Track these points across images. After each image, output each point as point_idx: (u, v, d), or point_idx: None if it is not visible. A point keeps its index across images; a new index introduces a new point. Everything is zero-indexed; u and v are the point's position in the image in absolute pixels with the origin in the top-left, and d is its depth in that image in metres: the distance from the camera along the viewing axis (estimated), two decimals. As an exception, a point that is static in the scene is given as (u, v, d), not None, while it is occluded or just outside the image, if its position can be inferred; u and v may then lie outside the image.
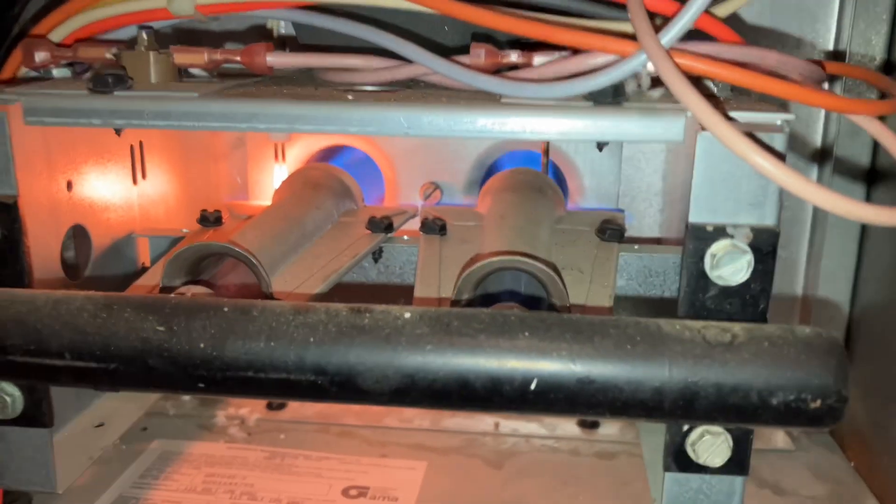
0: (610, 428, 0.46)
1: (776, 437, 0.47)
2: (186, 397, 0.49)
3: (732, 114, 0.23)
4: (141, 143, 0.38)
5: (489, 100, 0.27)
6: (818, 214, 0.45)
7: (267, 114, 0.25)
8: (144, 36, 0.29)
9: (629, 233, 0.38)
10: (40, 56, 0.29)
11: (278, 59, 0.28)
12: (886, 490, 0.40)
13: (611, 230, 0.35)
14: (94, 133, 0.33)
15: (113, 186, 0.36)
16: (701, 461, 0.25)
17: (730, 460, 0.25)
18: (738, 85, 0.23)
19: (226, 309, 0.23)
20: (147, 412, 0.45)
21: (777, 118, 0.23)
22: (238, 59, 0.29)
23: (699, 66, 0.23)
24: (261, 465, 0.43)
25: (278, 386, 0.23)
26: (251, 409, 0.48)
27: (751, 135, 0.22)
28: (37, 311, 0.23)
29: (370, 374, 0.22)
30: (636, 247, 0.34)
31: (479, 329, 0.22)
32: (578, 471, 0.42)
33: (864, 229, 0.44)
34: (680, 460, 0.26)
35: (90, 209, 0.34)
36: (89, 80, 0.26)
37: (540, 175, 0.40)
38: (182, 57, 0.28)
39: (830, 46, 0.43)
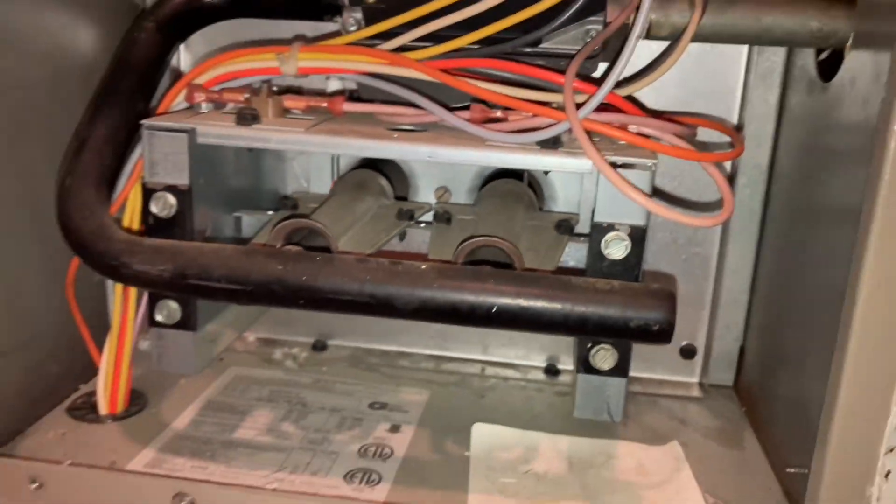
0: (566, 377, 0.62)
1: (691, 389, 0.63)
2: (252, 338, 0.65)
3: (617, 159, 0.39)
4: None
5: (479, 141, 0.43)
6: (726, 224, 0.60)
7: (344, 144, 0.41)
8: (265, 87, 0.44)
9: (580, 229, 0.54)
10: (199, 96, 0.44)
11: (350, 107, 0.44)
12: (760, 427, 0.55)
13: (564, 226, 0.51)
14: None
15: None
16: (597, 367, 0.41)
17: (615, 366, 0.41)
18: (620, 140, 0.39)
19: (317, 258, 0.39)
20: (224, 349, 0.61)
21: (648, 162, 0.39)
22: (325, 105, 0.44)
23: (598, 128, 0.39)
24: (309, 386, 0.59)
25: (347, 305, 0.38)
26: (301, 348, 0.65)
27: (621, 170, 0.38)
28: (205, 255, 0.39)
29: (401, 299, 0.38)
30: (580, 238, 0.50)
31: (465, 276, 0.38)
32: (540, 401, 0.58)
33: (760, 235, 0.59)
34: (585, 366, 0.42)
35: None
36: (236, 116, 0.42)
37: (520, 185, 0.56)
38: (290, 102, 0.44)
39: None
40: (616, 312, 0.37)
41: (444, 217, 0.52)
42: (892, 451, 0.40)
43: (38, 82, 0.47)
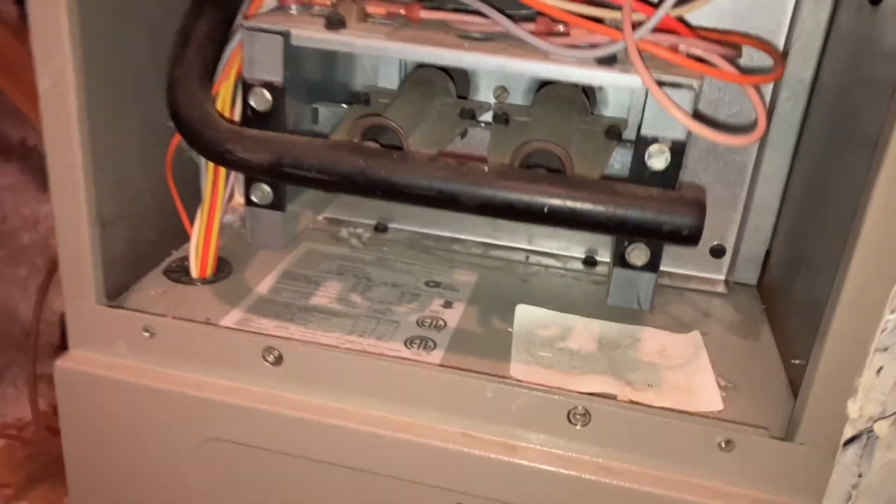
0: (602, 268, 0.68)
1: (717, 286, 0.68)
2: (321, 217, 0.72)
3: (665, 78, 0.43)
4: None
5: (542, 53, 0.47)
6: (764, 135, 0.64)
7: (421, 52, 0.46)
8: (352, -4, 0.49)
9: (627, 134, 0.59)
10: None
11: (427, 14, 0.49)
12: (776, 322, 0.61)
13: (613, 132, 0.55)
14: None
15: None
16: (631, 262, 0.47)
17: (647, 263, 0.47)
18: (669, 61, 0.43)
19: (394, 156, 0.45)
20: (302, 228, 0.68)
21: (693, 82, 0.43)
22: (403, 11, 0.49)
23: (650, 48, 0.43)
24: (372, 263, 0.66)
25: (418, 198, 0.44)
26: (364, 229, 0.71)
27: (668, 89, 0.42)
28: (298, 147, 0.45)
29: (465, 195, 0.44)
30: (627, 144, 0.55)
31: (521, 178, 0.44)
32: (577, 288, 0.65)
33: (797, 147, 0.63)
34: (621, 261, 0.48)
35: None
36: (325, 21, 0.47)
37: (574, 89, 0.60)
38: (372, 8, 0.49)
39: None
40: (652, 216, 0.42)
41: (502, 118, 0.57)
42: (884, 350, 0.46)
43: None
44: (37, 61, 0.46)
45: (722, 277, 0.68)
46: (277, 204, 0.52)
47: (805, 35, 0.59)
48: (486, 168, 0.44)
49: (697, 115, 0.44)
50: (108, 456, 0.54)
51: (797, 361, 0.52)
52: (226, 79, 0.51)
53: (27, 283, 1.83)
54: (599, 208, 0.43)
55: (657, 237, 0.43)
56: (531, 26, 0.47)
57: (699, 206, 0.42)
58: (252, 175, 0.51)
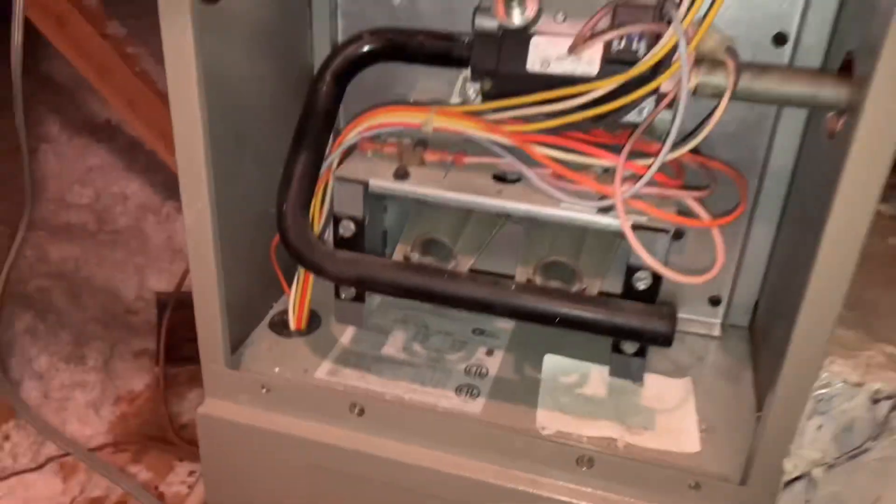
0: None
1: (713, 329, 0.83)
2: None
3: (648, 223, 0.57)
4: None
5: (556, 201, 0.61)
6: (755, 209, 0.77)
7: (466, 199, 0.61)
8: (411, 144, 0.64)
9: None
10: (367, 146, 0.64)
11: (470, 160, 0.63)
12: (756, 369, 0.75)
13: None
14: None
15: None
16: (623, 351, 0.63)
17: (636, 352, 0.63)
18: (652, 214, 0.57)
19: (444, 275, 0.61)
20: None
21: (667, 227, 0.58)
22: (451, 158, 0.64)
23: (637, 206, 0.57)
24: (430, 311, 0.82)
25: (464, 306, 0.60)
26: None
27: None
28: (375, 266, 0.61)
29: (497, 306, 0.59)
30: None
31: (539, 294, 0.59)
32: (596, 341, 0.80)
33: (781, 217, 0.76)
34: (616, 349, 0.63)
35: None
36: (394, 173, 0.62)
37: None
38: (429, 156, 0.64)
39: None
40: (637, 326, 0.57)
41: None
42: (822, 413, 0.60)
43: (254, 112, 0.68)
44: (184, 202, 0.63)
45: (718, 321, 0.82)
46: (359, 298, 0.69)
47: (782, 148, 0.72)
48: (512, 286, 0.59)
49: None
50: (238, 478, 0.73)
51: (758, 414, 0.66)
52: (315, 196, 0.67)
53: (125, 266, 2.06)
54: (598, 318, 0.58)
55: (640, 340, 0.59)
56: (547, 171, 0.61)
57: (671, 319, 0.57)
58: (339, 286, 0.67)
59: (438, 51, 0.66)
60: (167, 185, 2.29)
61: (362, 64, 0.68)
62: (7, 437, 1.51)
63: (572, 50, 0.58)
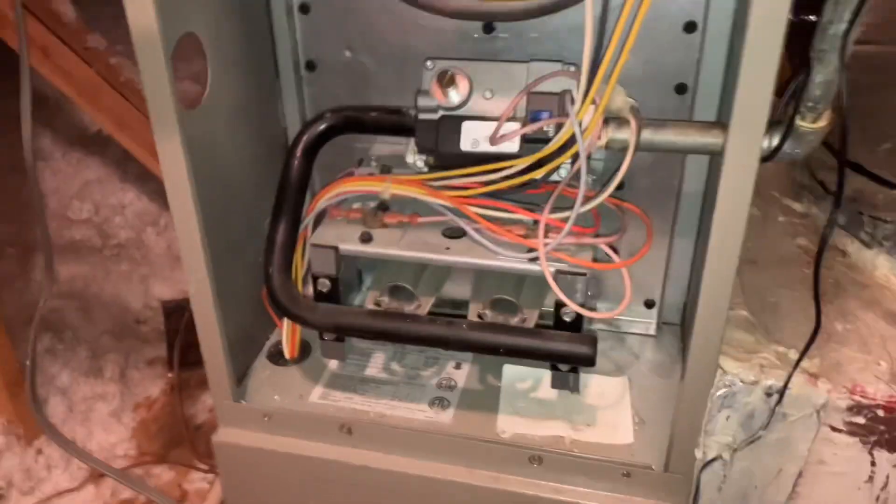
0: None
1: (650, 328, 0.96)
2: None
3: (568, 269, 0.70)
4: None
5: (494, 254, 0.74)
6: (675, 224, 0.90)
7: (419, 256, 0.73)
8: (373, 209, 0.76)
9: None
10: (337, 213, 0.77)
11: (423, 220, 0.76)
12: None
13: (555, 259, 0.83)
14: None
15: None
16: (560, 368, 0.76)
17: (570, 369, 0.76)
18: (569, 262, 0.70)
19: (407, 318, 0.73)
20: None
21: (584, 272, 0.70)
22: (407, 219, 0.76)
23: (558, 255, 0.70)
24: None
25: (425, 343, 0.73)
26: (398, 303, 1.00)
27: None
28: (350, 316, 0.74)
29: (453, 342, 0.72)
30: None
31: (485, 329, 0.72)
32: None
33: (699, 228, 0.89)
34: (553, 367, 0.77)
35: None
36: (359, 237, 0.75)
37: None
38: (388, 219, 0.76)
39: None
40: (566, 350, 0.70)
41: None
42: (729, 406, 0.73)
43: (238, 179, 0.81)
44: (185, 270, 0.75)
45: (654, 322, 0.95)
46: (339, 339, 0.82)
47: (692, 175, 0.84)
48: (464, 325, 0.72)
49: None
50: (252, 493, 0.87)
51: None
52: (296, 252, 0.80)
53: (130, 278, 2.19)
54: (534, 347, 0.71)
55: (568, 363, 0.72)
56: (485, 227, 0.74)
57: (592, 344, 0.70)
58: (322, 332, 0.80)
59: (389, 124, 0.78)
60: (161, 192, 2.41)
61: (326, 139, 0.80)
62: (40, 451, 1.66)
63: (494, 142, 0.70)
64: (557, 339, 0.70)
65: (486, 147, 0.71)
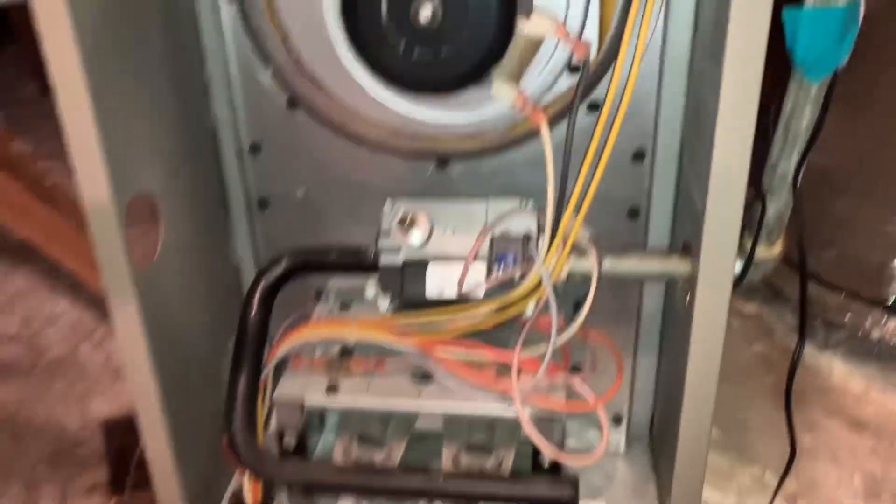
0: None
1: (619, 445, 0.95)
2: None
3: (545, 416, 0.69)
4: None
5: (466, 397, 0.72)
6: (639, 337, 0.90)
7: (390, 403, 0.72)
8: (338, 352, 0.74)
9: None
10: (299, 363, 0.75)
11: (391, 365, 0.74)
12: (658, 475, 0.88)
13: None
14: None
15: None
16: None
17: None
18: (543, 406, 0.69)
19: (381, 474, 0.71)
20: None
21: (561, 416, 0.69)
22: (373, 366, 0.74)
23: (535, 401, 0.69)
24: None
25: (401, 497, 0.71)
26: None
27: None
28: (319, 471, 0.71)
29: (432, 492, 0.70)
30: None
31: (466, 479, 0.70)
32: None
33: (660, 351, 0.89)
34: None
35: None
36: (325, 388, 0.72)
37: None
38: (355, 366, 0.74)
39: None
40: (546, 496, 0.69)
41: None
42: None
43: (197, 323, 0.78)
44: (143, 432, 0.72)
45: (622, 437, 0.94)
46: (309, 494, 0.78)
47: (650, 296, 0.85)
48: (440, 477, 0.70)
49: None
50: None
51: None
52: (259, 398, 0.77)
53: (66, 397, 2.08)
54: (517, 494, 0.69)
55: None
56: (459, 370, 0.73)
57: (574, 486, 0.69)
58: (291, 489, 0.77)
59: (349, 264, 0.77)
60: (96, 301, 2.32)
61: (283, 282, 0.78)
62: None
63: (461, 295, 0.69)
64: (539, 485, 0.69)
65: (451, 292, 0.70)
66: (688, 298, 0.68)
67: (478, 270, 0.70)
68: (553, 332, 0.66)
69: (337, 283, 0.86)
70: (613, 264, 0.74)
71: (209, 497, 0.87)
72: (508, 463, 0.74)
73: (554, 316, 0.65)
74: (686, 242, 0.72)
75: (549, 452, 0.67)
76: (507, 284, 0.69)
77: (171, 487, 0.75)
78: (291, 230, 0.86)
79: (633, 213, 0.81)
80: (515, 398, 0.67)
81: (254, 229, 0.88)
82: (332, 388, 0.73)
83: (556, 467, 0.71)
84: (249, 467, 0.72)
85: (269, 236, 0.88)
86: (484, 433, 0.75)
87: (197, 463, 0.78)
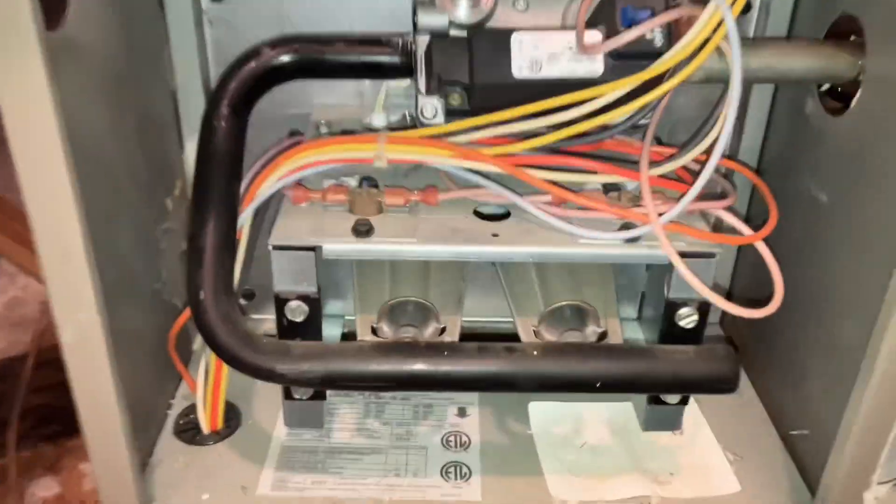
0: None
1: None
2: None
3: (689, 250, 0.46)
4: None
5: (571, 238, 0.48)
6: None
7: (455, 251, 0.46)
8: (364, 186, 0.48)
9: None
10: (302, 196, 0.48)
11: (443, 196, 0.49)
12: (756, 381, 0.67)
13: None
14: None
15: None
16: (665, 401, 0.52)
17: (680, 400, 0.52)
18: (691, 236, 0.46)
19: (445, 351, 0.46)
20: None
21: (713, 252, 0.47)
22: (418, 198, 0.49)
23: (676, 229, 0.46)
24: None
25: (479, 386, 0.46)
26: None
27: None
28: (348, 356, 0.46)
29: (523, 380, 0.46)
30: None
31: (572, 355, 0.46)
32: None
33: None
34: (656, 400, 0.52)
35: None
36: (353, 230, 0.47)
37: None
38: (390, 199, 0.49)
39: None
40: (702, 375, 0.46)
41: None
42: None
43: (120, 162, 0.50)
44: (55, 303, 0.44)
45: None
46: (321, 395, 0.52)
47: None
48: (534, 351, 0.46)
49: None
50: None
51: (796, 432, 0.58)
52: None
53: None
54: (654, 376, 0.46)
55: (702, 392, 0.48)
56: (546, 198, 0.49)
57: (734, 361, 0.47)
58: (303, 387, 0.51)
59: (366, 61, 0.51)
60: None
61: (267, 85, 0.51)
62: None
63: (587, 49, 0.45)
64: (686, 360, 0.46)
65: (553, 70, 0.46)
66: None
67: (596, 36, 0.46)
68: (728, 121, 0.43)
69: (327, 112, 0.60)
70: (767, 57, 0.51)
71: (149, 423, 0.59)
72: (618, 337, 0.51)
73: (736, 92, 0.42)
74: (846, 19, 0.51)
75: (712, 298, 0.45)
76: (640, 56, 0.45)
77: (107, 405, 0.47)
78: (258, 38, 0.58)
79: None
80: (656, 226, 0.44)
81: (202, 37, 0.60)
82: (362, 229, 0.47)
83: (696, 337, 0.49)
84: (235, 359, 0.45)
85: (224, 50, 0.60)
86: (572, 292, 0.51)
87: (133, 370, 0.51)
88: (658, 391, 0.47)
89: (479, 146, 0.48)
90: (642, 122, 0.49)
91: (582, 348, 0.47)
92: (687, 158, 0.46)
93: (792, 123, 0.60)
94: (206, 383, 0.58)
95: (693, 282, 0.44)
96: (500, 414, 0.63)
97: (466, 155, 0.47)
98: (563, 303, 0.51)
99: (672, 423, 0.55)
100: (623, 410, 0.63)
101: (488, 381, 0.46)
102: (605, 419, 0.63)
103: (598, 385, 0.46)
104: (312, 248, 0.46)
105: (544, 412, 0.63)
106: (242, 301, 0.61)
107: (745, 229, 0.48)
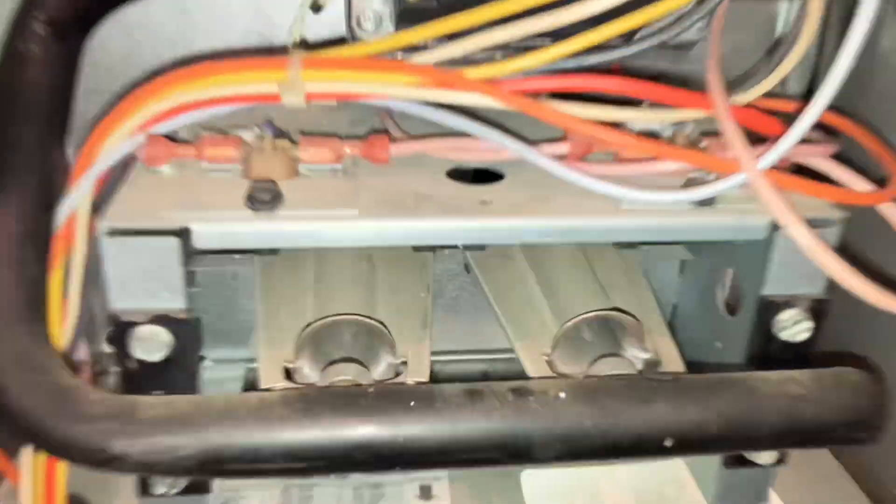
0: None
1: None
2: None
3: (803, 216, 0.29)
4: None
5: (610, 203, 0.30)
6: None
7: (431, 233, 0.28)
8: (270, 134, 0.29)
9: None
10: (163, 154, 0.29)
11: (399, 149, 0.31)
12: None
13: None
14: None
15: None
16: (756, 462, 0.33)
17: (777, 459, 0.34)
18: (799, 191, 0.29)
19: (412, 402, 0.27)
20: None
21: (835, 216, 0.30)
22: (358, 152, 0.30)
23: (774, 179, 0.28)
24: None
25: (470, 462, 0.27)
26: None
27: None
28: (246, 421, 0.26)
29: (543, 445, 0.27)
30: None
31: (618, 401, 0.28)
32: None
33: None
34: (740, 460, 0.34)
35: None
36: (247, 199, 0.28)
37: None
38: (310, 155, 0.30)
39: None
40: (827, 416, 0.28)
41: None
42: None
43: None
44: None
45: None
46: (199, 486, 0.32)
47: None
48: (559, 392, 0.27)
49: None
50: None
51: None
52: (52, 277, 0.30)
53: None
54: (760, 422, 0.28)
55: (831, 443, 0.30)
56: (563, 148, 0.30)
57: (879, 392, 0.29)
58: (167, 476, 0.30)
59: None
60: None
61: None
62: None
63: None
64: (827, 393, 0.28)
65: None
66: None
67: None
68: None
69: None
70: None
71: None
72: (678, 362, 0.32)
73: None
74: None
75: (854, 284, 0.27)
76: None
77: None
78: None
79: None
80: (756, 178, 0.27)
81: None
82: (263, 197, 0.28)
83: (803, 355, 0.31)
84: (32, 428, 0.25)
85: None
86: (596, 297, 0.33)
87: None
88: (768, 446, 0.29)
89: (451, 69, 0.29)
90: (690, 37, 0.32)
91: (638, 384, 0.28)
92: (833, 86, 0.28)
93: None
94: (32, 480, 0.37)
95: (828, 262, 0.27)
96: (480, 492, 0.44)
97: (440, 80, 0.29)
98: (589, 313, 0.32)
99: (758, 493, 0.36)
100: (665, 477, 0.44)
101: (489, 448, 0.27)
102: (627, 487, 0.44)
103: (669, 446, 0.27)
104: (177, 233, 0.27)
105: (543, 486, 0.44)
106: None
107: (866, 184, 0.31)
